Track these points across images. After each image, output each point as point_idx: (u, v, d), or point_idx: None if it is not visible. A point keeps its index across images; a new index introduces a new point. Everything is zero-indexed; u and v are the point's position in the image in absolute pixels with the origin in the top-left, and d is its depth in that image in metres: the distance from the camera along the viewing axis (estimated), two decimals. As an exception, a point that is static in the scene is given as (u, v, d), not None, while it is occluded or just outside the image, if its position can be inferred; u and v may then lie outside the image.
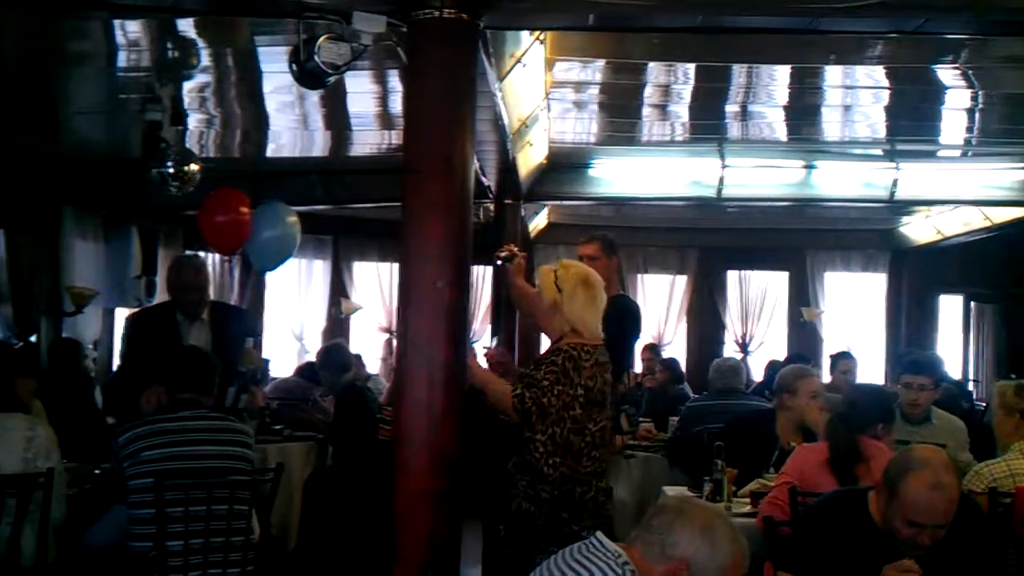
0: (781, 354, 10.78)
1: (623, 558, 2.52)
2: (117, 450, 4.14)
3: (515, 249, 4.90)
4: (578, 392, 3.73)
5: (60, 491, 4.41)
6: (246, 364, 6.00)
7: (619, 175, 8.59)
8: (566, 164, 8.38)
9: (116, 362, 9.29)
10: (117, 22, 4.35)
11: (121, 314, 9.17)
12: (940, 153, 8.23)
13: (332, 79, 3.72)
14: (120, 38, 4.63)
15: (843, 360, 8.70)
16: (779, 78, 5.90)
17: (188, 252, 5.84)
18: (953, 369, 10.76)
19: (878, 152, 8.19)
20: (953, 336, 11.33)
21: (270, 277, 10.35)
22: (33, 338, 7.65)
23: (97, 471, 5.04)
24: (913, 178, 8.36)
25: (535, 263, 7.01)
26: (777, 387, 5.48)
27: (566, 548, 2.64)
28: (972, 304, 11.55)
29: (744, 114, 6.95)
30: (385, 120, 6.45)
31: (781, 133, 7.58)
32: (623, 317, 5.27)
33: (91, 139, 7.05)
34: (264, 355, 8.63)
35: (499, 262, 4.90)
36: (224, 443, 4.24)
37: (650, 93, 6.31)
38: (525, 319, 4.57)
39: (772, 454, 5.05)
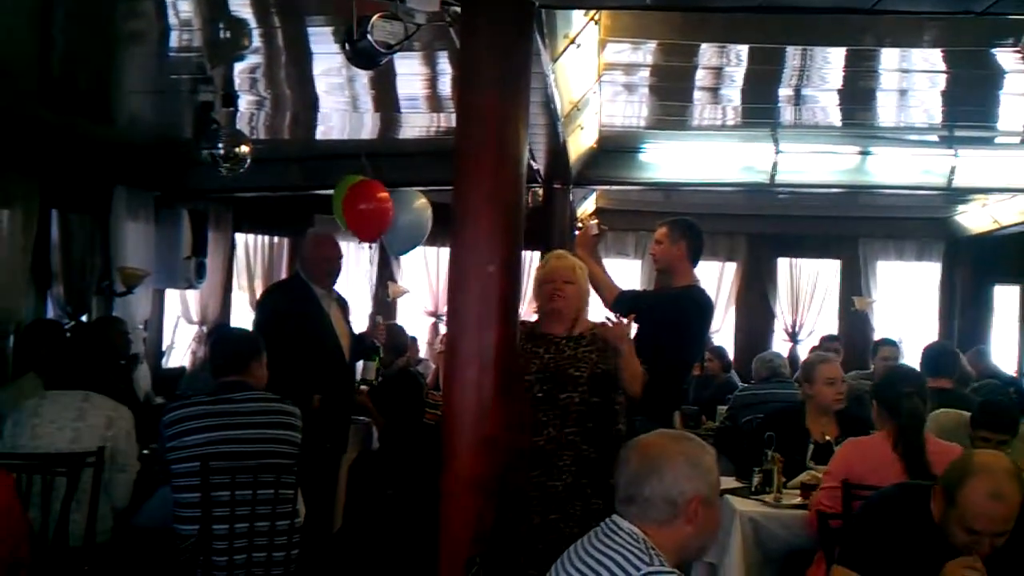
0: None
1: (641, 536, 2.50)
2: (162, 429, 4.15)
3: (587, 221, 4.92)
4: None
5: (131, 476, 4.45)
6: (379, 337, 6.35)
7: (670, 160, 8.49)
8: (616, 148, 8.28)
9: (166, 343, 9.41)
10: (169, 2, 4.34)
11: (171, 295, 9.27)
12: (999, 140, 8.04)
13: (384, 59, 3.68)
14: (172, 18, 4.62)
15: (885, 347, 8.56)
16: (833, 61, 5.77)
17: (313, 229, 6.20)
18: (1009, 361, 10.56)
19: (935, 138, 8.02)
20: (1009, 328, 11.10)
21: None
22: (84, 318, 7.74)
23: (146, 451, 5.08)
24: (971, 165, 8.18)
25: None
26: (800, 377, 5.37)
27: (587, 535, 2.61)
28: (1029, 295, 11.31)
29: (798, 98, 6.82)
30: (434, 103, 6.41)
31: (835, 118, 7.43)
32: (691, 307, 5.18)
33: (143, 120, 7.08)
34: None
35: (577, 232, 5.01)
36: (270, 426, 4.25)
37: (702, 76, 6.20)
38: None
39: (806, 447, 4.95)
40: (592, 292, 4.79)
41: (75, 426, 4.28)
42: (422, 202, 7.23)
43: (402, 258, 11.51)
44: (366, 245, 11.22)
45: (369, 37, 3.55)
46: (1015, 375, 9.84)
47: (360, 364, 6.70)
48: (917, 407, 4.15)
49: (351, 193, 6.74)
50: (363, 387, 6.64)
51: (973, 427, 5.04)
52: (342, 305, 6.02)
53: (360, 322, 9.85)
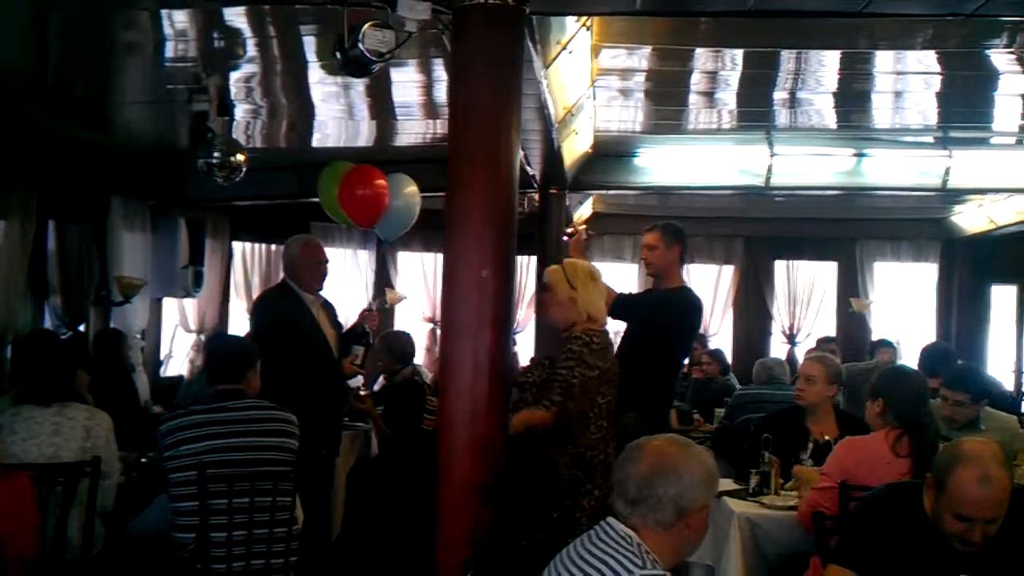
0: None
1: (635, 539, 2.51)
2: (159, 438, 4.16)
3: (578, 227, 4.97)
4: (594, 372, 4.16)
5: (114, 480, 4.45)
6: (370, 323, 6.40)
7: (665, 164, 8.51)
8: (611, 153, 8.31)
9: (164, 351, 9.42)
10: (165, 12, 4.36)
11: (169, 304, 9.28)
12: (993, 140, 8.06)
13: (376, 67, 3.69)
14: (168, 28, 4.64)
15: (882, 348, 8.57)
16: (828, 64, 5.80)
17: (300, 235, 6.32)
18: (1006, 360, 10.57)
19: (930, 140, 8.04)
20: (1006, 327, 11.12)
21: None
22: (81, 327, 7.74)
23: (144, 459, 5.09)
24: (966, 166, 8.19)
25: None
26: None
27: (580, 536, 2.62)
28: (1026, 294, 11.32)
29: (793, 101, 6.83)
30: (430, 109, 6.43)
31: (830, 120, 7.46)
32: (685, 308, 5.21)
33: (139, 129, 7.10)
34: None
35: (565, 237, 5.05)
36: (267, 433, 4.25)
37: (697, 80, 6.22)
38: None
39: (806, 447, 4.98)
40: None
41: (52, 441, 4.22)
42: (412, 188, 7.32)
43: (400, 264, 11.55)
44: (363, 251, 11.28)
45: (361, 46, 3.57)
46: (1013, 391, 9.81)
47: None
48: (938, 429, 4.22)
49: (348, 179, 6.82)
50: (351, 363, 6.55)
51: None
52: (328, 308, 6.05)
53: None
